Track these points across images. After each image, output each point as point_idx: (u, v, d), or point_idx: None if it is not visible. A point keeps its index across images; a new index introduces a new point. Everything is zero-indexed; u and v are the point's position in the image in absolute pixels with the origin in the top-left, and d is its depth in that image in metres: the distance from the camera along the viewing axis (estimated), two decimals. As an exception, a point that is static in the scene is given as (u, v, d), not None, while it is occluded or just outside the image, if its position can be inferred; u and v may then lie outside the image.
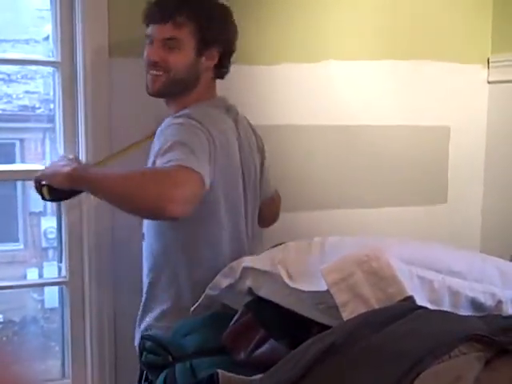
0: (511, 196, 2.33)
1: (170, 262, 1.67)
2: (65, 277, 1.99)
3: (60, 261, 2.01)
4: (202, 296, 1.49)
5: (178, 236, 1.66)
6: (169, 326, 1.57)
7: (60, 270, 2.01)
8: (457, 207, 2.42)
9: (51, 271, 2.14)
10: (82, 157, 1.93)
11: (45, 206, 2.33)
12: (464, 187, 2.43)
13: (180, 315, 1.59)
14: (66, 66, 1.93)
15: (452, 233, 2.39)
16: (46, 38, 2.02)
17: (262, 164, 1.84)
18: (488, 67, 2.40)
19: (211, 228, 1.66)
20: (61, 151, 1.97)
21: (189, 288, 1.64)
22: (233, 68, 1.75)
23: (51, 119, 2.05)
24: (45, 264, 2.45)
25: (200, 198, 1.48)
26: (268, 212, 1.88)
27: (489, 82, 2.40)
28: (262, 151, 1.84)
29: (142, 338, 1.47)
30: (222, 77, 1.73)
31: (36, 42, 2.12)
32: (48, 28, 1.97)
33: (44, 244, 2.50)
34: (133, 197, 1.46)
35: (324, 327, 1.22)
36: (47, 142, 2.13)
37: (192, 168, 1.45)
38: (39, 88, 2.15)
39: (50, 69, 1.98)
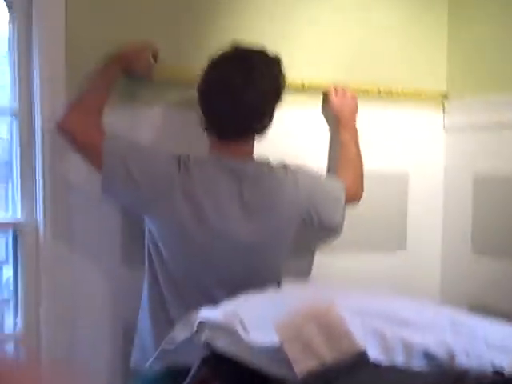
0: (469, 241, 2.36)
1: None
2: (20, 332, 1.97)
3: (16, 314, 1.99)
4: (158, 350, 1.48)
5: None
6: None
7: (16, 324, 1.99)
8: (416, 254, 2.43)
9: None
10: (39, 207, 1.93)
11: (7, 256, 2.28)
12: (423, 233, 2.46)
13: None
14: (24, 114, 1.94)
15: (411, 279, 2.40)
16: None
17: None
18: (444, 113, 2.44)
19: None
20: (18, 200, 1.98)
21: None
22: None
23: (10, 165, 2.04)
24: (6, 314, 2.39)
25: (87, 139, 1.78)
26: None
27: (445, 128, 2.45)
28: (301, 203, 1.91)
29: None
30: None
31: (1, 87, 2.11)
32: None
33: (6, 294, 2.44)
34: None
35: (280, 381, 1.21)
36: (9, 187, 2.10)
37: (109, 135, 1.77)
38: (2, 134, 2.13)
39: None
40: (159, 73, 1.97)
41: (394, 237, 2.41)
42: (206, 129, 1.85)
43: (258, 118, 1.84)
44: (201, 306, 1.68)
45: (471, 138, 2.35)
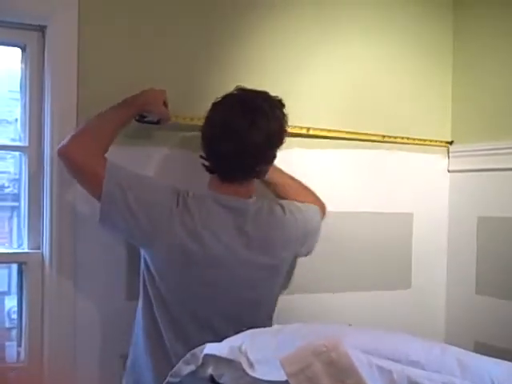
0: (474, 282, 2.36)
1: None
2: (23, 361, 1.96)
3: (19, 344, 1.99)
4: (163, 384, 1.47)
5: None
6: None
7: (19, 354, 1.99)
8: (420, 292, 2.45)
9: (13, 352, 2.09)
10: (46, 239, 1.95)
11: (9, 286, 2.29)
12: (428, 273, 2.47)
13: None
14: (33, 150, 1.97)
15: (416, 318, 2.41)
16: (18, 120, 2.06)
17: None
18: (448, 157, 2.49)
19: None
20: (25, 232, 1.99)
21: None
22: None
23: (17, 198, 2.06)
24: (8, 344, 2.38)
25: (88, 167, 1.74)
26: None
27: (449, 171, 2.49)
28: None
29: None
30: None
31: (8, 122, 2.15)
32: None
33: (7, 324, 2.43)
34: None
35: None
36: (14, 220, 2.12)
37: (110, 164, 1.73)
38: (10, 168, 2.15)
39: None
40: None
41: (399, 276, 2.43)
42: (209, 170, 1.85)
43: (263, 160, 1.84)
44: (197, 337, 1.71)
45: (475, 179, 2.40)
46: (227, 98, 1.83)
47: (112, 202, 1.73)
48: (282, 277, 1.94)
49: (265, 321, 1.84)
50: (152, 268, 1.79)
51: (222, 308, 1.81)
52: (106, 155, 1.77)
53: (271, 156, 1.86)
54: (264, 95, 1.85)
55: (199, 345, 1.73)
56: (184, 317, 1.79)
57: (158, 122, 1.98)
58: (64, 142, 1.78)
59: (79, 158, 1.75)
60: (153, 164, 2.05)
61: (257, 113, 1.78)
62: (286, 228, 1.91)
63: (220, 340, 1.68)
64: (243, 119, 1.76)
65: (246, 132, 1.76)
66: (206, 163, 1.84)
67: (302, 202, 2.04)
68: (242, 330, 1.72)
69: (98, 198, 1.74)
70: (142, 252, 1.83)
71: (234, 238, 1.81)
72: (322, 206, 2.13)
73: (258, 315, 1.85)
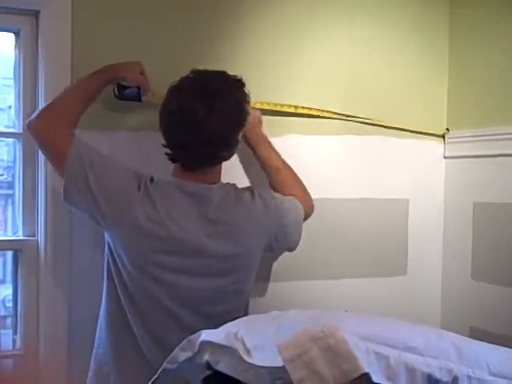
0: (469, 268, 2.37)
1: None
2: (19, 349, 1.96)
3: (15, 332, 1.98)
4: (160, 370, 1.47)
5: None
6: None
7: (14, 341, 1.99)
8: (416, 279, 2.46)
9: (9, 340, 2.10)
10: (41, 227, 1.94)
11: (4, 274, 2.29)
12: (423, 259, 2.48)
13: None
14: (27, 137, 1.94)
15: (412, 304, 2.42)
16: (11, 107, 2.05)
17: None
18: (444, 143, 2.49)
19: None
20: (19, 219, 1.99)
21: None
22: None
23: (11, 186, 2.06)
24: (3, 332, 2.40)
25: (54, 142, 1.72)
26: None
27: (445, 157, 2.49)
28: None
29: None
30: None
31: (1, 109, 2.14)
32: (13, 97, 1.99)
33: (3, 312, 2.44)
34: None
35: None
36: (9, 208, 2.12)
37: (77, 141, 1.70)
38: (3, 156, 2.15)
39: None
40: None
41: (395, 262, 2.43)
42: (171, 159, 1.79)
43: (224, 146, 1.76)
44: (161, 324, 1.74)
45: (471, 166, 2.39)
46: (183, 82, 1.74)
47: (74, 181, 1.70)
48: (251, 266, 1.85)
49: (232, 313, 1.74)
50: (114, 251, 1.75)
51: (182, 296, 1.75)
52: (75, 132, 1.73)
53: (233, 141, 1.77)
54: (222, 76, 1.76)
55: (164, 332, 1.74)
56: (146, 303, 1.74)
57: (138, 99, 1.92)
58: (33, 115, 1.75)
59: (44, 133, 1.73)
60: (137, 147, 2.01)
61: (214, 97, 1.70)
62: (254, 213, 1.83)
63: (183, 328, 1.68)
64: (200, 105, 1.68)
65: (204, 119, 1.68)
66: (168, 151, 1.77)
67: (287, 194, 1.97)
68: (206, 320, 1.72)
69: (62, 175, 1.72)
70: (106, 236, 1.78)
71: (197, 225, 1.74)
72: (307, 201, 2.04)
73: (222, 306, 1.78)
